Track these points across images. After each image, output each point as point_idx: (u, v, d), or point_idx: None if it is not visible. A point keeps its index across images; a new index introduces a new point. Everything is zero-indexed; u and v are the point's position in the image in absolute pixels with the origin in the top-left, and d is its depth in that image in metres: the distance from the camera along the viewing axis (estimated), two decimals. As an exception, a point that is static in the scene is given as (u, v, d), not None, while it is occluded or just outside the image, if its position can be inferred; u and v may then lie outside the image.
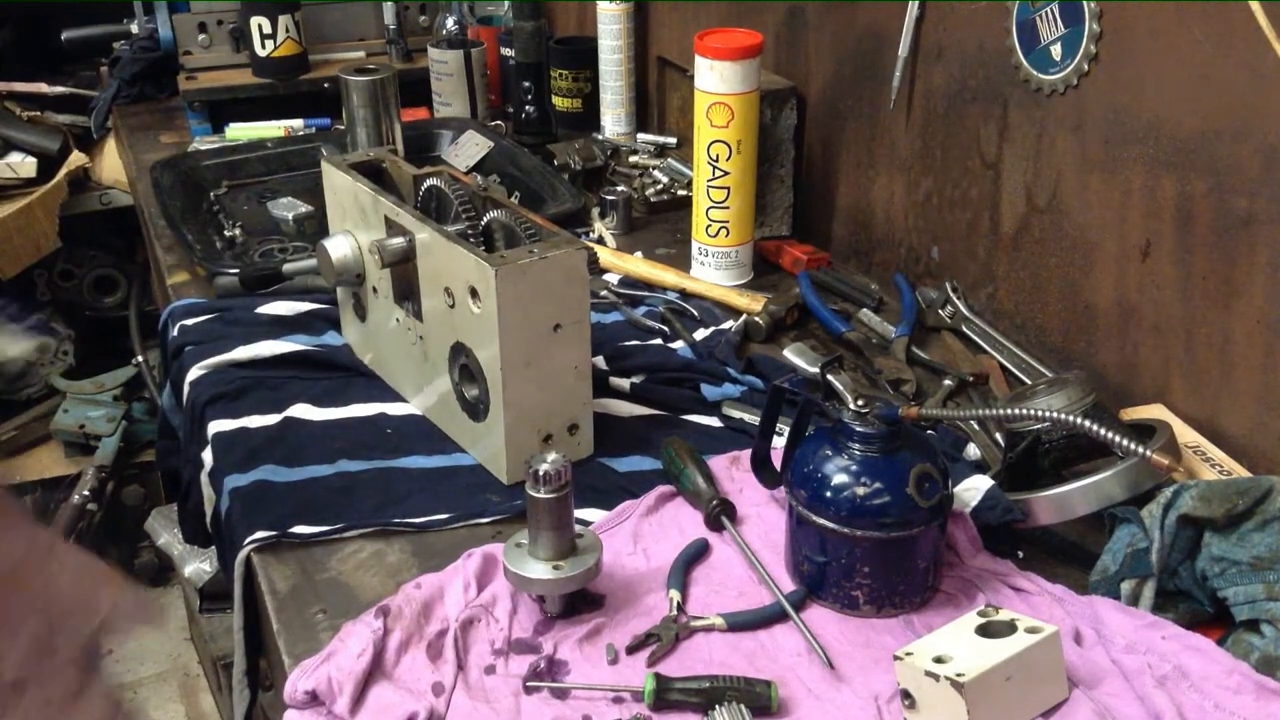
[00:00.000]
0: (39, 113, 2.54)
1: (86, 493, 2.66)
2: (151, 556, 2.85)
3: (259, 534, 1.13)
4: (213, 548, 1.47)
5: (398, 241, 1.25)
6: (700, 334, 1.51)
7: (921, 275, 1.61)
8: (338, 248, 1.34)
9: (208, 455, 1.29)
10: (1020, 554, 1.12)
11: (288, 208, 1.81)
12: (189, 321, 1.50)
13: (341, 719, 0.92)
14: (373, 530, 1.15)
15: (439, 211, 1.29)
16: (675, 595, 1.05)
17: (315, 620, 1.05)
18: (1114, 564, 1.03)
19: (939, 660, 0.90)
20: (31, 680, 0.74)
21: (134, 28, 2.50)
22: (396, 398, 1.37)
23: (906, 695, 0.92)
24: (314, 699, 0.94)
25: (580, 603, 1.05)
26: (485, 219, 1.25)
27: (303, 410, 1.33)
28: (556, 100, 2.19)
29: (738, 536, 1.12)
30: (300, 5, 2.28)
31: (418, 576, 1.07)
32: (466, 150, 1.98)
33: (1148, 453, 0.96)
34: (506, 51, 2.21)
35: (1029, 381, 1.37)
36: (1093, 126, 1.30)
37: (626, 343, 1.49)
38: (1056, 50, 1.32)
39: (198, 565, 2.42)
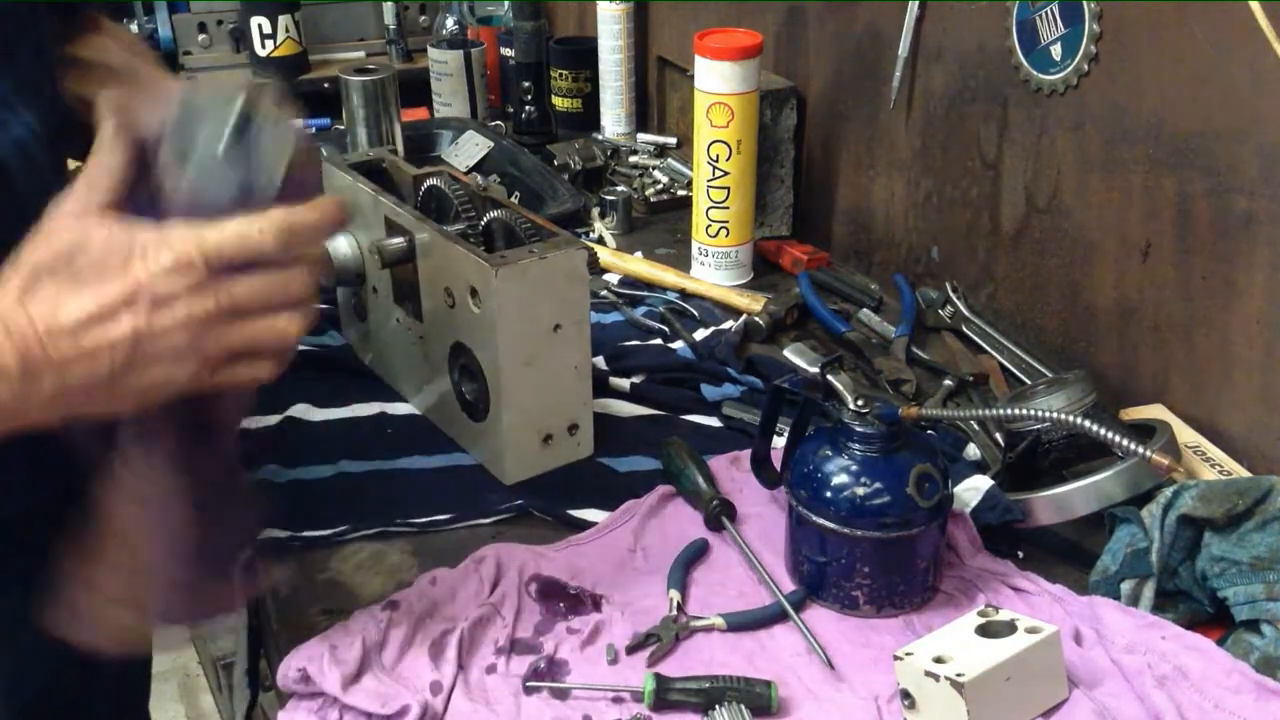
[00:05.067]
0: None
1: (86, 492, 2.65)
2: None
3: (266, 533, 1.13)
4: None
5: (398, 241, 1.25)
6: (700, 334, 1.51)
7: (921, 275, 1.61)
8: (338, 248, 1.34)
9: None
10: (1020, 554, 1.12)
11: (288, 208, 1.80)
12: (189, 321, 1.50)
13: (333, 698, 0.92)
14: (373, 530, 1.15)
15: (439, 211, 1.29)
16: (675, 595, 1.05)
17: (315, 620, 1.05)
18: (1114, 564, 1.03)
19: (939, 660, 0.90)
20: None
21: (134, 28, 2.50)
22: (397, 398, 1.37)
23: (906, 695, 0.92)
24: (306, 678, 0.94)
25: (581, 602, 1.05)
26: (485, 219, 1.25)
27: (303, 410, 1.33)
28: (556, 100, 2.19)
29: (738, 536, 1.12)
30: (300, 5, 2.28)
31: (430, 572, 1.07)
32: (466, 150, 1.98)
33: (1148, 453, 0.96)
34: (506, 51, 2.21)
35: (1029, 381, 1.37)
36: (1093, 126, 1.30)
37: (626, 343, 1.49)
38: (1056, 50, 1.32)
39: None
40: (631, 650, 1.00)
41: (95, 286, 0.72)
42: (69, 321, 0.72)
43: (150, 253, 0.73)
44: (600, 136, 2.12)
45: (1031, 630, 0.93)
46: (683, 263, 1.69)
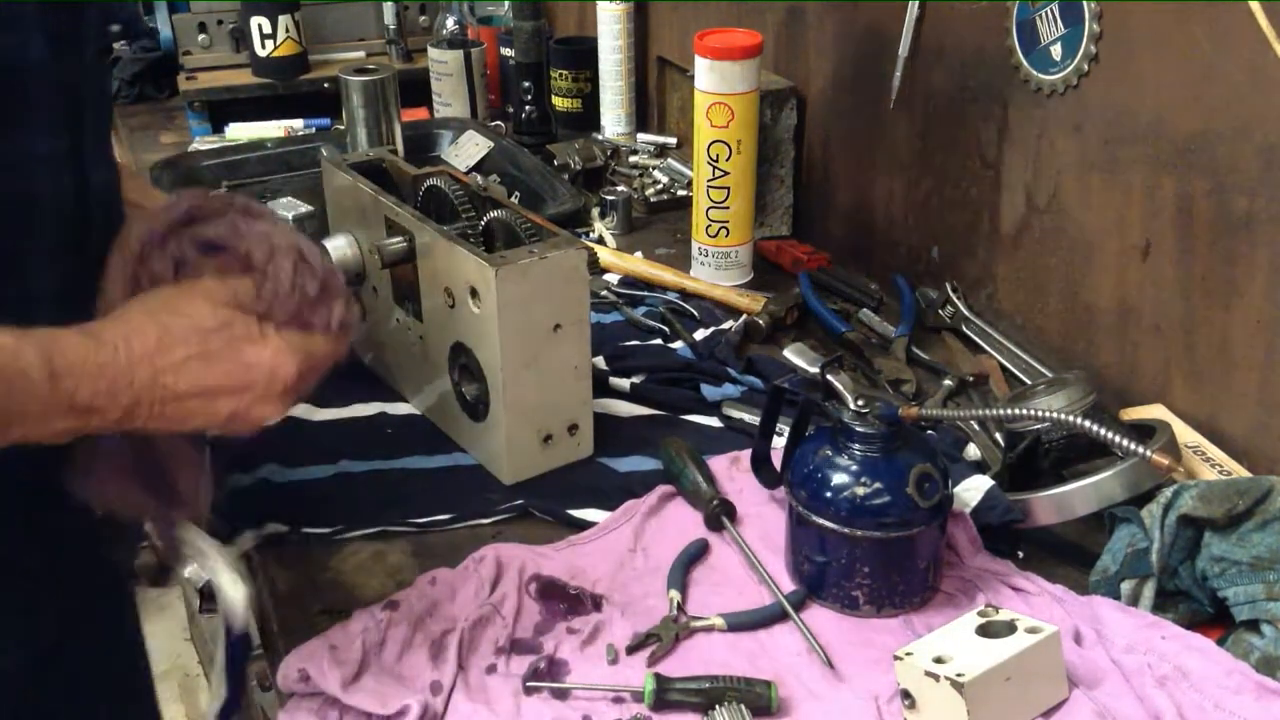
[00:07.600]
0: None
1: (87, 493, 2.65)
2: (151, 556, 2.84)
3: (269, 527, 1.13)
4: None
5: (398, 241, 1.25)
6: (700, 334, 1.51)
7: (921, 275, 1.61)
8: (338, 248, 1.34)
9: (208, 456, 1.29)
10: (1020, 554, 1.12)
11: (288, 208, 1.80)
12: (189, 321, 1.50)
13: (333, 698, 0.92)
14: (373, 530, 1.15)
15: (439, 211, 1.29)
16: (675, 595, 1.05)
17: (315, 620, 1.04)
18: (1114, 564, 1.03)
19: (939, 660, 0.90)
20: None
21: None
22: (397, 398, 1.37)
23: (906, 695, 0.92)
24: (306, 678, 0.94)
25: (581, 602, 1.05)
26: (485, 219, 1.25)
27: (303, 410, 1.33)
28: (556, 100, 2.19)
29: (738, 536, 1.12)
30: (300, 5, 2.28)
31: (430, 572, 1.07)
32: (466, 150, 1.98)
33: (1148, 453, 0.96)
34: (506, 51, 2.21)
35: (1029, 381, 1.37)
36: (1093, 126, 1.30)
37: (626, 343, 1.49)
38: (1056, 50, 1.32)
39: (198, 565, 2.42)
40: (631, 650, 1.00)
41: (219, 366, 0.84)
42: (183, 389, 0.82)
43: (277, 369, 0.86)
44: (600, 136, 2.12)
45: (1031, 630, 0.93)
46: (683, 263, 1.69)
